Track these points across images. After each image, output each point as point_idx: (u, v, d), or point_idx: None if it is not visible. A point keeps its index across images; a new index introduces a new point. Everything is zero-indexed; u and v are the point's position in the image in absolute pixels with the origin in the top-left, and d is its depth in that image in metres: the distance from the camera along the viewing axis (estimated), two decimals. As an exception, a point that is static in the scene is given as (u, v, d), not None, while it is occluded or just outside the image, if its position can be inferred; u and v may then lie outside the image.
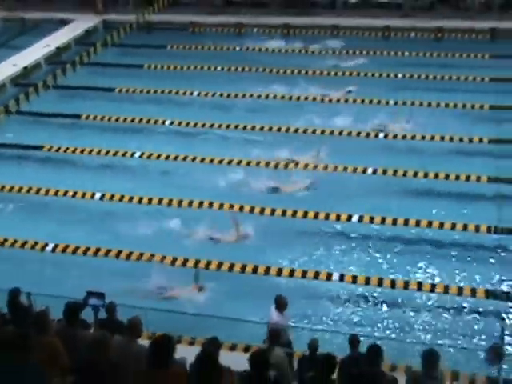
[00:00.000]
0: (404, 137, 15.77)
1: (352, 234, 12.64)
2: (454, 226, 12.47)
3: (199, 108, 18.08)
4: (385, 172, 14.27)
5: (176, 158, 15.33)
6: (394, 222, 12.71)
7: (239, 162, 14.96)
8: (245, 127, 16.55)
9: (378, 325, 10.54)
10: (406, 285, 11.17)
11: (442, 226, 12.51)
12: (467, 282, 11.27)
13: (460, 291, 11.00)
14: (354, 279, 11.37)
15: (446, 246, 12.24)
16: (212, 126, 16.75)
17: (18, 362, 5.61)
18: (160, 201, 13.75)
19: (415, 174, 14.15)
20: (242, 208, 13.33)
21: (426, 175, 14.10)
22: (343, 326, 10.40)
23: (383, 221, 12.74)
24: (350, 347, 7.64)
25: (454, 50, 20.22)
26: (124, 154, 15.61)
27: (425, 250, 12.18)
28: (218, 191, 13.91)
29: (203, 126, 16.82)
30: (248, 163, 14.91)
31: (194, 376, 5.83)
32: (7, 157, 16.14)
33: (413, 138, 15.75)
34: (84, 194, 14.10)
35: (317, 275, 11.42)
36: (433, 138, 15.62)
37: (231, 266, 11.71)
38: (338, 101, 17.86)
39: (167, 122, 17.04)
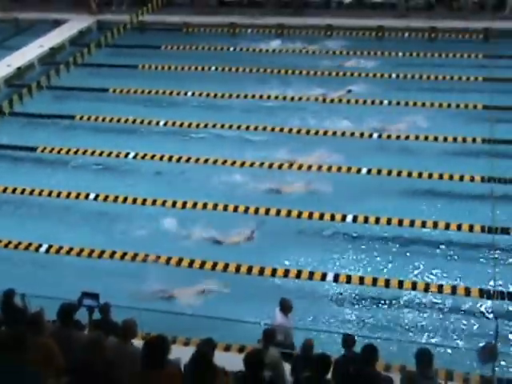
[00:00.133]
0: (398, 137, 15.81)
1: (351, 234, 12.66)
2: (448, 226, 12.50)
3: (193, 108, 18.08)
4: (379, 172, 14.31)
5: (170, 158, 15.32)
6: (389, 221, 12.73)
7: (234, 163, 14.97)
8: (239, 127, 16.57)
9: (372, 324, 10.56)
10: (401, 284, 11.19)
11: (436, 225, 12.54)
12: (461, 281, 11.30)
13: (454, 290, 11.03)
14: (349, 279, 11.39)
15: (440, 245, 12.28)
16: (206, 126, 16.76)
17: (13, 363, 5.61)
18: (154, 201, 13.73)
19: (409, 174, 14.17)
20: (236, 208, 13.32)
21: (420, 175, 14.13)
22: (339, 326, 10.40)
23: (377, 221, 12.76)
24: (345, 347, 7.66)
25: (448, 50, 20.26)
26: (118, 155, 15.59)
27: (419, 250, 12.21)
28: (212, 191, 13.90)
29: (197, 126, 16.82)
30: (243, 163, 14.91)
31: (189, 376, 5.84)
32: (1, 158, 16.09)
33: (407, 138, 15.79)
34: (78, 195, 14.08)
35: (311, 275, 11.46)
36: (426, 138, 15.66)
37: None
38: (332, 101, 17.87)
39: (161, 123, 17.06)
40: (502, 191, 13.46)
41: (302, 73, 19.60)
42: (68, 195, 14.11)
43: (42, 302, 7.91)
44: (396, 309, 10.90)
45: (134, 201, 13.79)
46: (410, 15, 23.04)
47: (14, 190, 14.36)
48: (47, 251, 12.42)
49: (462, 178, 13.93)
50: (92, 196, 13.99)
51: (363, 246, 12.39)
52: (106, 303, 8.37)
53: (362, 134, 15.95)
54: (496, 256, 11.75)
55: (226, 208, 13.36)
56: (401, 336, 10.17)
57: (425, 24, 22.08)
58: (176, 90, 18.75)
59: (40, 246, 12.53)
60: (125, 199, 13.83)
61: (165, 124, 17.04)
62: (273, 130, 16.39)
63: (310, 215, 13.03)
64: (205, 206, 13.44)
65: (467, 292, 10.98)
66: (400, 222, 12.67)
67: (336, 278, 11.38)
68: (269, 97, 18.13)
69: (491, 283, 11.08)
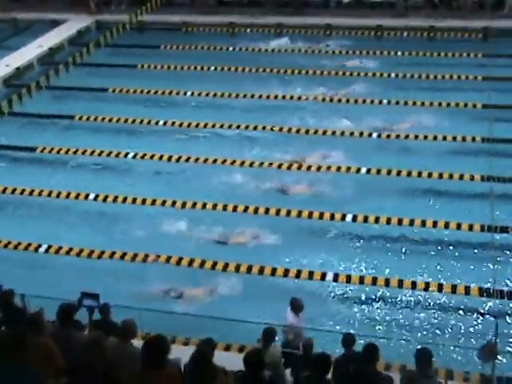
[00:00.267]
0: (398, 136, 15.81)
1: (352, 233, 12.68)
2: (447, 225, 12.50)
3: (193, 108, 18.07)
4: (378, 172, 14.31)
5: (170, 158, 15.31)
6: (388, 221, 12.73)
7: (234, 162, 14.96)
8: (239, 126, 16.56)
9: (373, 324, 10.56)
10: (401, 284, 11.20)
11: (435, 224, 12.55)
12: (461, 280, 11.30)
13: (454, 289, 11.03)
14: (348, 278, 11.40)
15: (440, 244, 12.28)
16: (206, 125, 16.75)
17: (13, 363, 5.60)
18: (154, 201, 13.71)
19: (409, 174, 14.18)
20: (235, 208, 13.32)
21: (419, 174, 14.13)
22: (340, 325, 10.40)
23: (377, 220, 12.76)
24: (345, 346, 7.66)
25: (447, 49, 20.28)
26: (118, 155, 15.58)
27: (419, 249, 12.21)
28: (212, 191, 13.90)
29: (197, 125, 16.81)
30: (242, 163, 14.91)
31: (188, 376, 5.84)
32: (0, 158, 16.07)
33: (406, 137, 15.79)
34: (78, 195, 14.07)
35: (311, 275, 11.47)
36: (426, 137, 15.66)
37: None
38: (332, 100, 17.86)
39: (160, 123, 17.04)
40: (502, 190, 13.47)
41: (302, 72, 19.58)
42: (68, 195, 14.10)
43: (42, 302, 7.92)
44: (395, 308, 10.90)
45: (134, 200, 13.79)
46: (408, 14, 23.04)
47: (13, 191, 14.35)
48: (47, 251, 12.42)
49: (461, 177, 13.94)
50: (92, 196, 13.98)
51: (362, 246, 12.39)
52: (106, 303, 8.37)
53: (361, 134, 15.95)
54: (495, 255, 11.75)
55: (225, 208, 13.35)
56: (401, 335, 10.16)
57: (424, 23, 22.08)
58: (175, 90, 18.74)
59: (39, 246, 12.53)
60: (124, 199, 13.83)
61: (164, 124, 17.03)
62: (272, 129, 16.38)
63: (310, 214, 13.03)
64: (204, 205, 13.43)
65: (467, 291, 10.99)
66: (400, 222, 12.68)
67: (336, 278, 11.40)
68: (268, 96, 18.13)
69: (491, 282, 11.08)
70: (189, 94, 18.60)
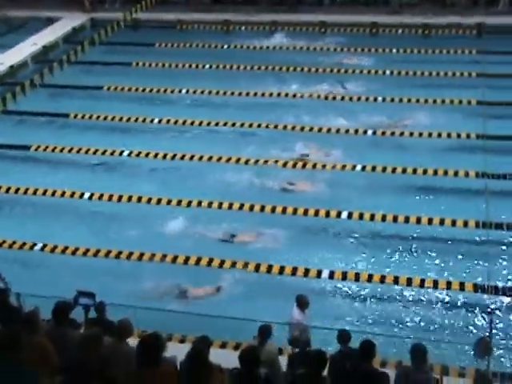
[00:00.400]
0: (393, 133, 15.82)
1: (349, 231, 12.69)
2: (442, 222, 12.54)
3: (188, 106, 18.04)
4: (374, 169, 14.33)
5: (165, 156, 15.29)
6: (383, 218, 12.74)
7: (229, 159, 14.94)
8: (234, 124, 16.54)
9: (368, 320, 10.59)
10: (396, 280, 11.22)
11: (430, 221, 12.58)
12: (456, 276, 11.34)
13: (449, 286, 11.07)
14: (345, 275, 11.42)
15: (435, 241, 12.31)
16: (201, 123, 16.73)
17: (8, 362, 5.59)
18: (149, 199, 13.69)
19: (404, 171, 14.21)
20: (231, 206, 13.31)
21: (414, 171, 14.16)
22: (339, 322, 10.40)
23: (372, 217, 12.78)
24: (340, 343, 7.67)
25: (441, 46, 20.30)
26: (113, 153, 15.55)
27: (414, 246, 12.24)
28: (207, 189, 13.89)
29: (192, 123, 16.78)
30: (238, 160, 14.89)
31: (184, 374, 5.84)
32: (-6, 156, 16.06)
33: (401, 134, 15.80)
34: (73, 194, 14.03)
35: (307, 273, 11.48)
36: (421, 134, 15.67)
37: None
38: (326, 97, 17.86)
39: (155, 120, 17.02)
40: (496, 187, 13.50)
41: (297, 69, 19.57)
42: (62, 194, 14.06)
43: (37, 301, 7.89)
44: (390, 304, 10.92)
45: (129, 199, 13.76)
46: (403, 11, 23.05)
47: (7, 189, 14.31)
48: (42, 250, 12.39)
49: (456, 174, 13.96)
50: (87, 194, 13.95)
51: (357, 243, 12.40)
52: (102, 302, 8.36)
53: (356, 131, 15.97)
54: (490, 251, 11.78)
55: (220, 206, 13.34)
56: (396, 331, 10.19)
57: (418, 20, 22.09)
58: (170, 88, 18.71)
59: (35, 244, 12.50)
60: (120, 197, 13.80)
61: (159, 122, 17.00)
62: (267, 126, 16.38)
63: (310, 212, 13.05)
64: (200, 203, 13.42)
65: (462, 287, 11.02)
66: (395, 219, 12.69)
67: (331, 275, 11.40)
68: (263, 94, 18.11)
69: (485, 278, 11.11)
70: (184, 91, 18.57)
